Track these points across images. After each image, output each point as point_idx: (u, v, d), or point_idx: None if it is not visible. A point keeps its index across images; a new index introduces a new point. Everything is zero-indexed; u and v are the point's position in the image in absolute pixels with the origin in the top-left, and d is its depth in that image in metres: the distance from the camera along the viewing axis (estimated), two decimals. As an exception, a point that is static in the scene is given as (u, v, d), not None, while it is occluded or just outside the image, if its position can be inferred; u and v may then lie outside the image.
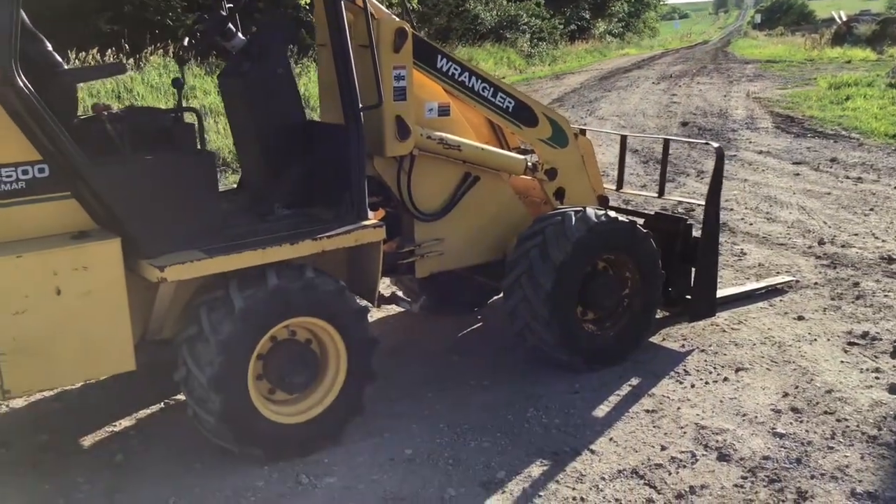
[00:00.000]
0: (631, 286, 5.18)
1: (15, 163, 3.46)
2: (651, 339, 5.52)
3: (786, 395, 4.77)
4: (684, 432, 4.38)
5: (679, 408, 4.65)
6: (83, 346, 3.58)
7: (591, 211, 4.97)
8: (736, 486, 3.90)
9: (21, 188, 3.49)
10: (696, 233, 5.56)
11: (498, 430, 4.39)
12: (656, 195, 6.01)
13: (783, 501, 3.77)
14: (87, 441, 4.33)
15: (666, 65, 32.42)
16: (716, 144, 5.63)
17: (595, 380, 4.95)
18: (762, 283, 6.58)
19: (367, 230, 4.17)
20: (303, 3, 15.73)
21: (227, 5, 4.59)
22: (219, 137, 11.37)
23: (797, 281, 6.69)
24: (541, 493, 3.85)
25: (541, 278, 4.74)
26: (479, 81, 4.99)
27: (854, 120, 15.00)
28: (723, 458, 4.13)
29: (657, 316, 5.51)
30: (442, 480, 3.93)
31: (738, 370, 5.10)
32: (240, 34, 4.56)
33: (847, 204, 9.24)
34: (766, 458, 4.12)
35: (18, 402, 4.68)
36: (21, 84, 3.34)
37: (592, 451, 4.20)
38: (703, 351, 5.39)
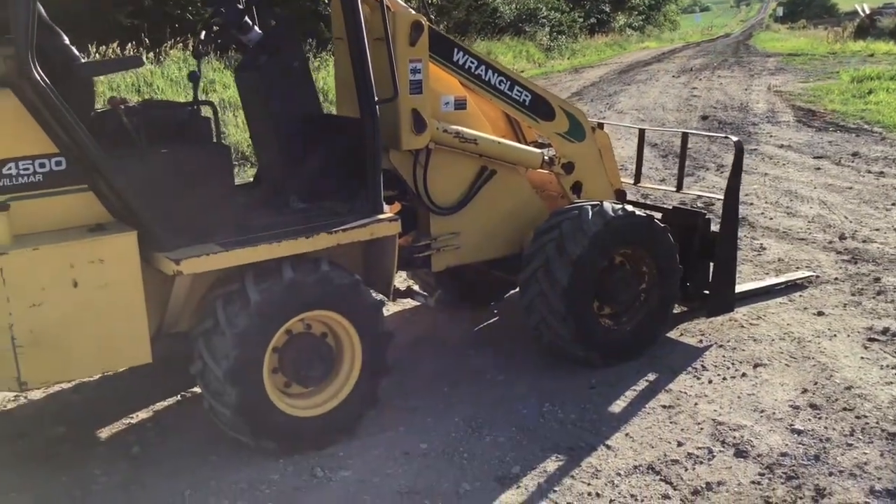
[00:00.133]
0: (648, 281, 5.15)
1: (32, 156, 3.48)
2: (668, 335, 5.49)
3: (804, 391, 4.73)
4: (701, 428, 4.35)
5: (696, 403, 4.62)
6: (99, 339, 3.60)
7: (608, 205, 4.94)
8: (753, 482, 3.87)
9: (38, 181, 3.51)
10: (715, 227, 5.52)
11: (513, 425, 4.38)
12: (675, 189, 5.97)
13: (801, 499, 3.74)
14: (104, 433, 4.35)
15: (686, 58, 32.20)
16: (735, 138, 5.58)
17: (611, 375, 4.92)
18: (782, 279, 6.52)
19: (382, 224, 4.17)
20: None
21: (244, -1, 4.60)
22: (237, 131, 11.40)
23: (817, 276, 6.63)
24: (556, 489, 3.83)
25: (557, 273, 4.72)
26: (496, 75, 4.97)
27: (877, 114, 14.83)
28: (740, 454, 4.10)
29: (675, 311, 5.47)
30: (457, 475, 3.93)
31: (756, 366, 5.06)
32: (256, 28, 4.56)
33: (869, 199, 9.14)
34: (783, 454, 4.09)
35: (37, 394, 4.72)
36: (38, 77, 3.36)
37: (608, 447, 4.18)
38: (720, 346, 5.35)
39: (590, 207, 4.89)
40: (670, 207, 5.76)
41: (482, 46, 26.11)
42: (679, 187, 5.91)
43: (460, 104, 4.88)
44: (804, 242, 7.60)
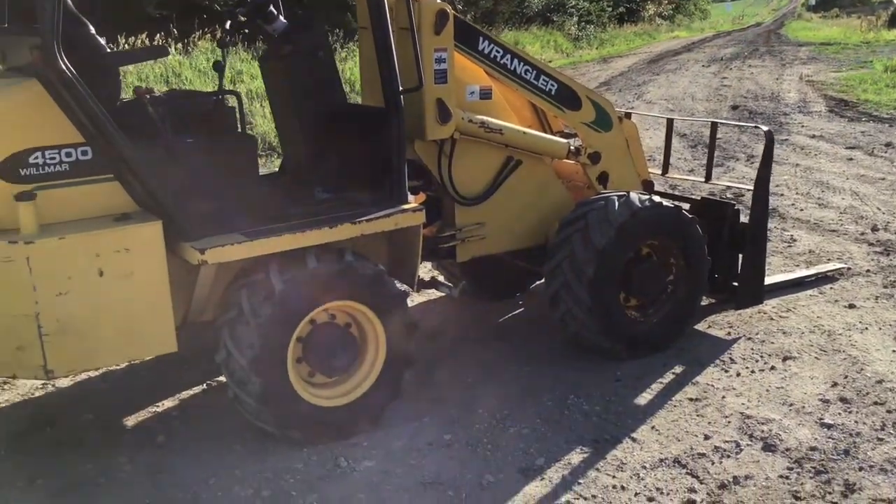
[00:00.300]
0: (675, 272, 5.09)
1: (58, 145, 3.50)
2: (696, 327, 5.43)
3: (835, 384, 4.66)
4: (729, 421, 4.30)
5: (724, 396, 4.56)
6: (125, 328, 3.62)
7: (634, 195, 4.89)
8: (781, 477, 3.81)
9: (65, 171, 3.53)
10: (745, 218, 5.45)
11: (538, 417, 4.35)
12: (703, 180, 5.91)
13: (830, 493, 3.68)
14: (130, 421, 4.39)
15: (717, 47, 31.83)
16: (765, 128, 5.50)
17: (637, 367, 4.88)
18: (812, 270, 6.43)
19: (406, 214, 4.15)
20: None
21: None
22: (265, 122, 11.43)
23: (848, 268, 6.53)
24: (580, 481, 3.80)
25: (583, 264, 4.68)
26: (522, 64, 4.92)
27: (911, 104, 14.60)
28: (768, 448, 4.05)
29: (702, 303, 5.42)
30: (480, 466, 3.91)
31: (785, 359, 4.99)
32: (281, 17, 4.56)
33: (902, 189, 8.99)
34: (812, 448, 4.03)
35: (64, 382, 4.76)
36: (64, 67, 3.37)
37: (633, 439, 4.15)
38: (749, 339, 5.29)
39: (616, 198, 4.85)
40: (699, 198, 5.70)
41: (509, 36, 25.98)
42: (708, 178, 5.84)
43: (485, 94, 4.84)
44: (835, 234, 7.49)
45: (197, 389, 4.70)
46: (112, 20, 11.96)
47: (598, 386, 4.68)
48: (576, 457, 4.00)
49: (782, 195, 8.89)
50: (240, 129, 4.21)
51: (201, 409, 4.50)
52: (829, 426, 4.23)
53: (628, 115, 5.64)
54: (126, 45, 13.29)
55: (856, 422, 4.26)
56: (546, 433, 4.21)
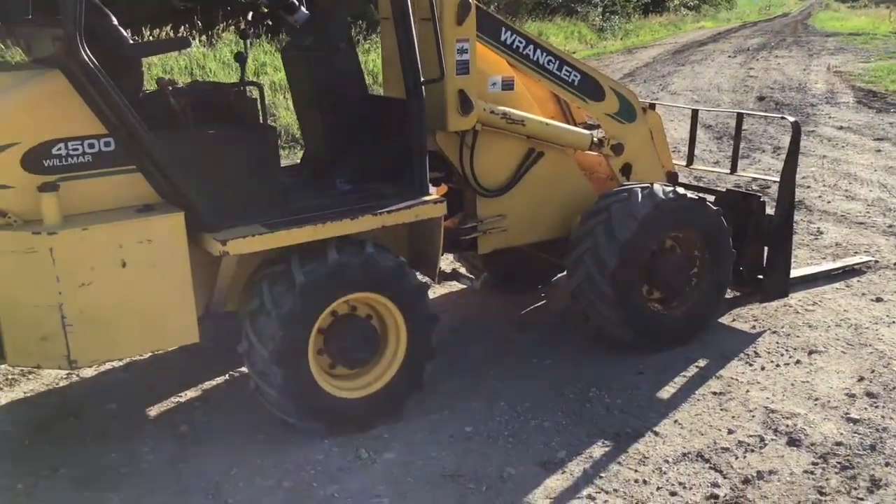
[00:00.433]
0: (700, 265, 5.04)
1: (81, 136, 3.52)
2: (720, 320, 5.38)
3: (861, 379, 4.60)
4: (753, 416, 4.26)
5: (748, 390, 4.52)
6: (147, 319, 3.64)
7: (658, 187, 4.85)
8: (806, 472, 3.77)
9: (87, 162, 3.54)
10: (771, 210, 5.38)
11: (559, 410, 4.33)
12: (729, 171, 5.84)
13: (855, 489, 3.63)
14: (153, 411, 4.41)
15: (743, 38, 31.49)
16: (792, 119, 5.43)
17: (660, 360, 4.84)
18: (839, 263, 6.36)
19: (427, 206, 4.13)
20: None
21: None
22: (288, 114, 11.44)
23: (876, 261, 6.44)
24: (602, 475, 3.78)
25: (605, 256, 4.64)
26: (544, 54, 4.89)
27: (941, 94, 14.37)
28: (793, 443, 4.00)
29: (727, 296, 5.36)
30: (501, 459, 3.90)
31: (811, 353, 4.93)
32: (303, 8, 4.55)
33: (932, 182, 8.86)
34: (838, 443, 3.98)
35: (88, 372, 4.80)
36: (86, 58, 3.38)
37: (656, 433, 4.11)
38: (774, 332, 5.23)
39: (640, 190, 4.80)
40: (724, 190, 5.64)
41: (533, 27, 25.84)
42: (733, 169, 5.78)
43: (508, 85, 4.81)
44: (863, 226, 7.39)
45: (219, 380, 4.72)
46: (137, 12, 12.02)
47: (620, 379, 4.65)
48: (597, 450, 3.97)
49: (809, 187, 8.78)
50: (261, 120, 4.21)
51: (224, 399, 4.52)
52: (855, 421, 4.17)
53: (652, 106, 5.58)
54: (151, 38, 13.36)
55: (882, 417, 4.21)
56: (567, 426, 4.18)
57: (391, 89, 4.78)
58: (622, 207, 4.71)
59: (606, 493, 3.66)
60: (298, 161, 5.41)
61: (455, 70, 4.42)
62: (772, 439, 4.04)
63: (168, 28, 14.03)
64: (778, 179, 5.29)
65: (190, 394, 4.57)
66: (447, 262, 6.05)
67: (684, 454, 3.93)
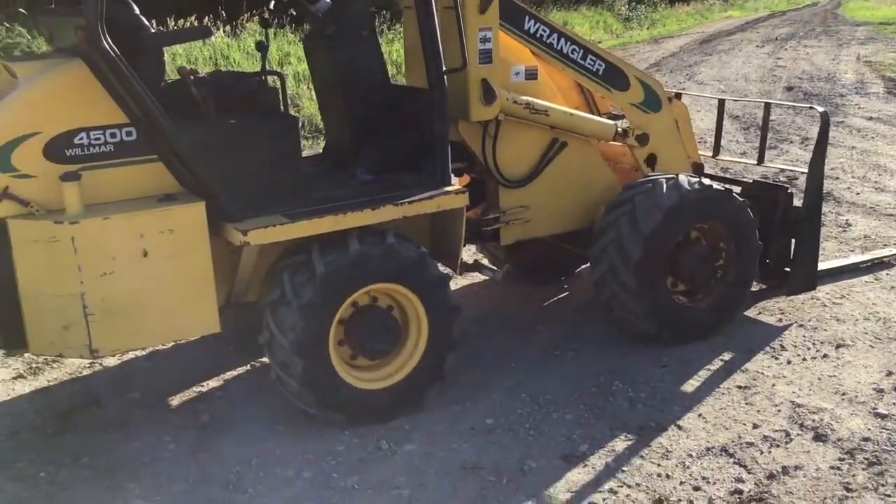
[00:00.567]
0: (725, 257, 4.98)
1: (103, 126, 3.52)
2: (746, 313, 5.31)
3: (890, 373, 4.53)
4: (778, 410, 4.20)
5: (774, 384, 4.46)
6: (169, 308, 3.64)
7: (683, 178, 4.79)
8: (832, 467, 3.71)
9: (109, 151, 3.55)
10: (798, 202, 5.30)
11: (581, 403, 4.30)
12: (756, 162, 5.76)
13: (883, 486, 3.57)
14: (175, 401, 4.42)
15: (771, 27, 31.11)
16: (821, 109, 5.34)
17: (684, 353, 4.79)
18: (868, 256, 6.25)
19: (449, 196, 4.10)
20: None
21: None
22: (311, 104, 11.44)
23: (906, 254, 6.34)
24: (624, 468, 3.74)
25: (629, 248, 4.59)
26: (569, 43, 4.83)
27: (974, 84, 14.12)
28: (819, 438, 3.94)
29: (753, 289, 5.29)
30: (522, 451, 3.87)
31: (838, 346, 4.86)
32: (326, -3, 4.53)
33: (964, 173, 8.70)
34: (865, 439, 3.91)
35: (111, 361, 4.82)
36: (108, 47, 3.38)
37: (680, 427, 4.07)
38: (801, 326, 5.16)
39: (664, 181, 4.74)
40: (750, 181, 5.56)
41: (558, 17, 25.67)
42: (760, 160, 5.69)
43: (531, 74, 4.76)
44: (892, 218, 7.28)
45: (241, 370, 4.72)
46: (161, 2, 12.05)
47: (643, 372, 4.60)
48: (620, 444, 3.93)
49: (837, 178, 8.66)
50: (283, 110, 4.19)
51: (245, 390, 4.52)
52: (882, 416, 4.11)
53: (678, 96, 5.51)
54: (175, 27, 13.40)
55: (912, 412, 4.14)
56: (589, 419, 4.15)
57: (414, 79, 4.74)
58: (646, 198, 4.66)
59: (629, 486, 3.62)
60: (321, 151, 5.40)
61: (478, 59, 4.38)
62: (798, 434, 3.98)
63: (192, 18, 14.07)
64: (806, 170, 5.21)
65: (211, 384, 4.58)
66: (469, 253, 6.02)
67: (708, 448, 3.89)
